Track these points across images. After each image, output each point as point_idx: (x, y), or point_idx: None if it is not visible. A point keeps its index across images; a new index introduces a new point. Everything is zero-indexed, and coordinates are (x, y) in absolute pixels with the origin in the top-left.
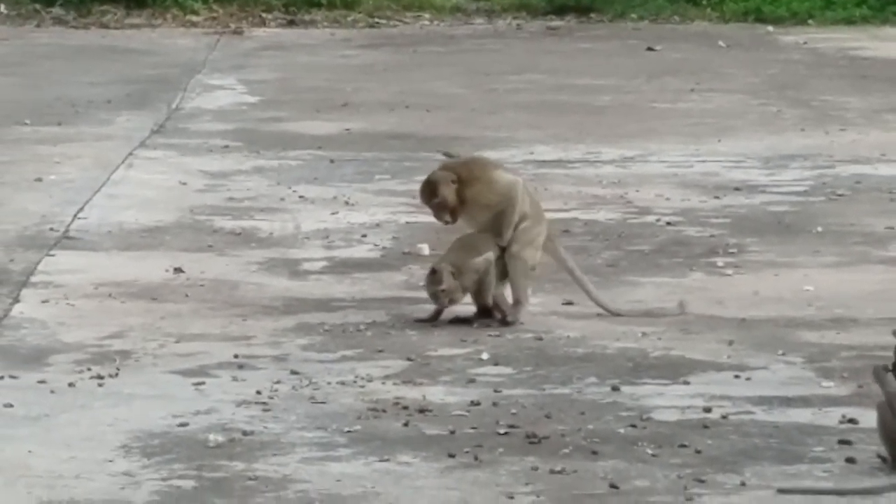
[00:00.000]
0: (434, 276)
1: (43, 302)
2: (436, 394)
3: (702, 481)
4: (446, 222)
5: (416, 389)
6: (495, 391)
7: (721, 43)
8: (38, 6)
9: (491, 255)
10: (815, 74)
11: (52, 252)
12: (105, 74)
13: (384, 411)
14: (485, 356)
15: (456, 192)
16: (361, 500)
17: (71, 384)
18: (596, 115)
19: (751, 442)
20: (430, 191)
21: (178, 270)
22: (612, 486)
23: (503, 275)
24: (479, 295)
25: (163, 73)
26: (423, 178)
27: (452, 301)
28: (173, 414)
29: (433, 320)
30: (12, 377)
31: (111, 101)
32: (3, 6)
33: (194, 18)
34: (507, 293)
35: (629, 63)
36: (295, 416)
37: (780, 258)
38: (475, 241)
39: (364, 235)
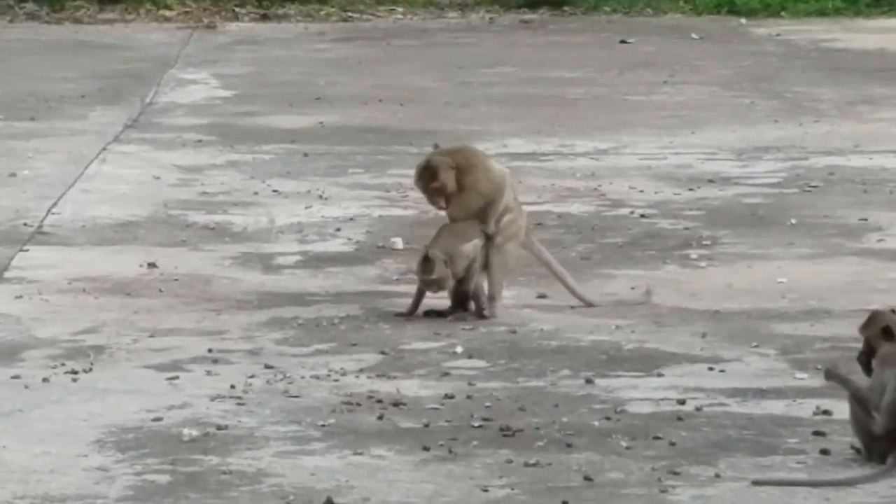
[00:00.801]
0: (427, 263)
1: (16, 297)
2: (410, 387)
3: (676, 473)
4: (440, 208)
5: (390, 383)
6: (469, 384)
7: (694, 35)
8: (10, 1)
9: (478, 242)
10: (788, 66)
11: (25, 247)
12: (78, 69)
13: (358, 405)
14: (459, 349)
15: (454, 178)
16: (336, 494)
17: (45, 379)
18: (569, 107)
19: (725, 434)
20: (429, 175)
21: (151, 265)
22: (587, 478)
23: (483, 265)
24: (464, 281)
25: (136, 67)
26: (399, 170)
27: (441, 289)
28: (147, 408)
29: (411, 314)
30: None
31: (84, 96)
32: None
33: (167, 13)
34: (485, 284)
35: (602, 56)
36: (269, 410)
37: (753, 250)
38: (462, 229)
39: (338, 229)
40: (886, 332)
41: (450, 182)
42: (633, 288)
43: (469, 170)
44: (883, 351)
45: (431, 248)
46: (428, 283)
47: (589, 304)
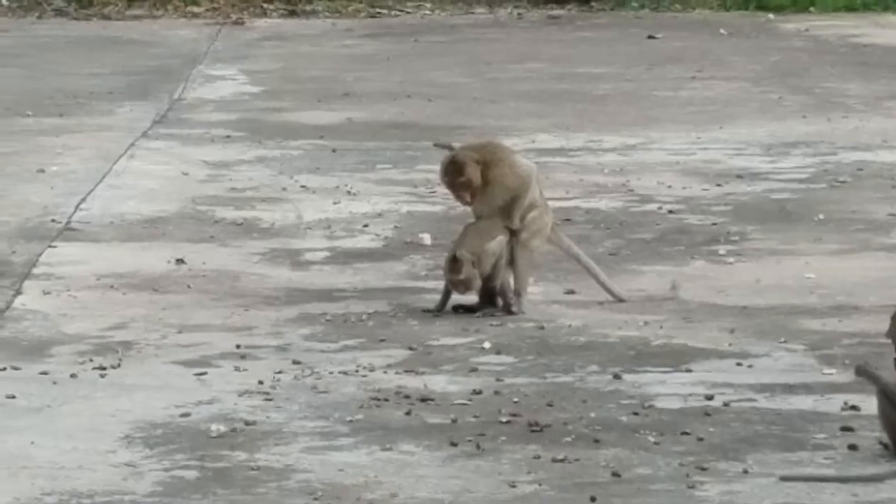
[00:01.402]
0: (455, 264)
1: (45, 293)
2: (438, 383)
3: (704, 469)
4: (466, 203)
5: (418, 378)
6: (497, 380)
7: (722, 31)
8: None
9: (503, 239)
10: (817, 61)
11: (53, 243)
12: (107, 65)
13: (386, 400)
14: (487, 345)
15: (480, 172)
16: (363, 490)
17: (73, 375)
18: (597, 103)
19: (753, 429)
20: (455, 170)
21: (179, 261)
22: (615, 474)
23: (509, 262)
24: (491, 278)
25: (164, 63)
26: (427, 166)
27: (469, 289)
28: (175, 404)
29: (440, 310)
30: (14, 368)
31: (113, 92)
32: None
33: (195, 9)
34: (511, 279)
35: (630, 51)
36: (297, 406)
37: (781, 246)
38: (487, 227)
39: (366, 225)
40: None
41: (476, 177)
42: (672, 287)
43: (495, 164)
44: None
45: (459, 249)
46: (456, 284)
47: (619, 299)
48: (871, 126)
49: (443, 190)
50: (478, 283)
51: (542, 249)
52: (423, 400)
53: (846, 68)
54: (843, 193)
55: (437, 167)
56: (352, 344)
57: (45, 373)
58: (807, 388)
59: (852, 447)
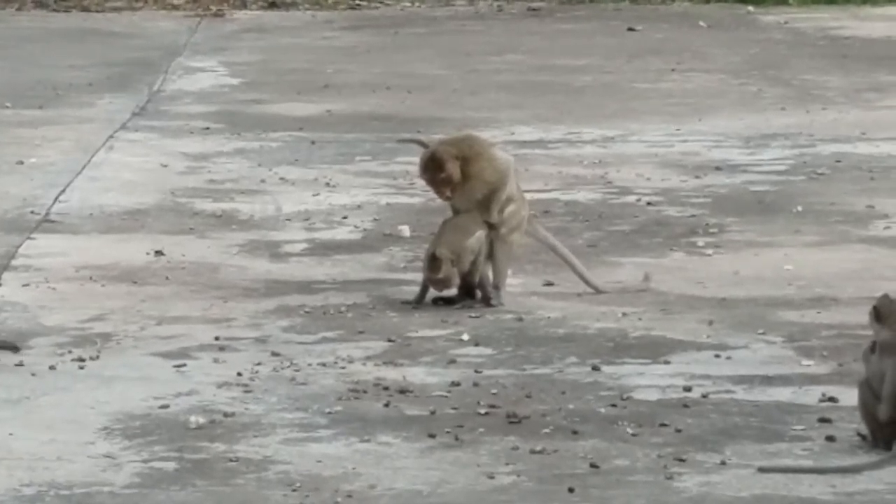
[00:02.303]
0: (434, 263)
1: (24, 285)
2: (416, 374)
3: (682, 460)
4: (446, 198)
5: (397, 370)
6: (476, 372)
7: (702, 23)
8: None
9: (482, 234)
10: (796, 54)
11: (32, 235)
12: (86, 57)
13: (365, 392)
14: (465, 337)
15: (459, 167)
16: (342, 481)
17: (52, 367)
18: (577, 95)
19: (731, 421)
20: (436, 166)
21: (158, 253)
22: (593, 465)
23: (487, 256)
24: (470, 274)
25: (144, 55)
26: (407, 158)
27: (448, 288)
28: (154, 396)
29: (419, 302)
30: None
31: (92, 84)
32: None
33: (175, 1)
34: (489, 272)
35: (610, 43)
36: (276, 398)
37: (760, 237)
38: (465, 222)
39: (345, 217)
40: (877, 315)
41: (455, 173)
42: (644, 278)
43: (474, 159)
44: (881, 337)
45: (438, 247)
46: (435, 283)
47: (596, 290)
48: (849, 118)
49: (422, 183)
50: (456, 280)
51: (520, 244)
52: (402, 392)
53: (825, 60)
54: (821, 185)
55: (417, 160)
56: (331, 336)
57: (23, 364)
58: (785, 380)
59: (830, 438)
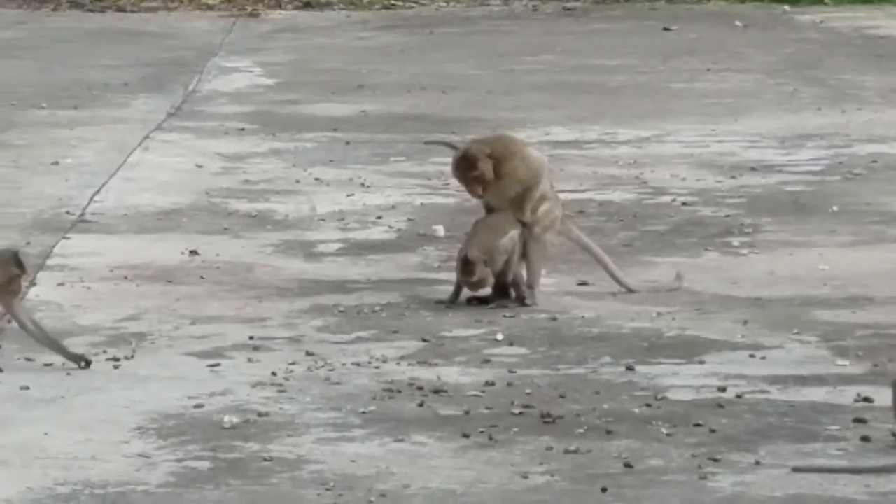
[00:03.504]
0: (467, 266)
1: (59, 285)
2: (450, 374)
3: (716, 460)
4: (478, 196)
5: (431, 370)
6: (510, 371)
7: (737, 23)
8: None
9: (515, 234)
10: (832, 53)
11: (68, 235)
12: (121, 58)
13: (399, 392)
14: (499, 337)
15: (493, 166)
16: (376, 481)
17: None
18: (612, 95)
19: (765, 421)
20: (468, 164)
21: (193, 253)
22: (627, 465)
23: (521, 255)
24: (503, 274)
25: (179, 55)
26: (441, 158)
27: (482, 289)
28: (188, 395)
29: (453, 301)
30: (28, 360)
31: (127, 84)
32: None
33: (210, 1)
34: (523, 271)
35: (645, 43)
36: (310, 397)
37: (795, 237)
38: (497, 222)
39: (379, 217)
40: None
41: (488, 171)
42: (676, 277)
43: (507, 158)
44: None
45: (470, 249)
46: (470, 286)
47: (629, 290)
48: (885, 118)
49: (456, 182)
50: (491, 280)
51: (554, 242)
52: (436, 391)
53: (861, 60)
54: (857, 185)
55: (450, 160)
56: (365, 335)
57: (58, 364)
58: (819, 380)
59: (865, 439)
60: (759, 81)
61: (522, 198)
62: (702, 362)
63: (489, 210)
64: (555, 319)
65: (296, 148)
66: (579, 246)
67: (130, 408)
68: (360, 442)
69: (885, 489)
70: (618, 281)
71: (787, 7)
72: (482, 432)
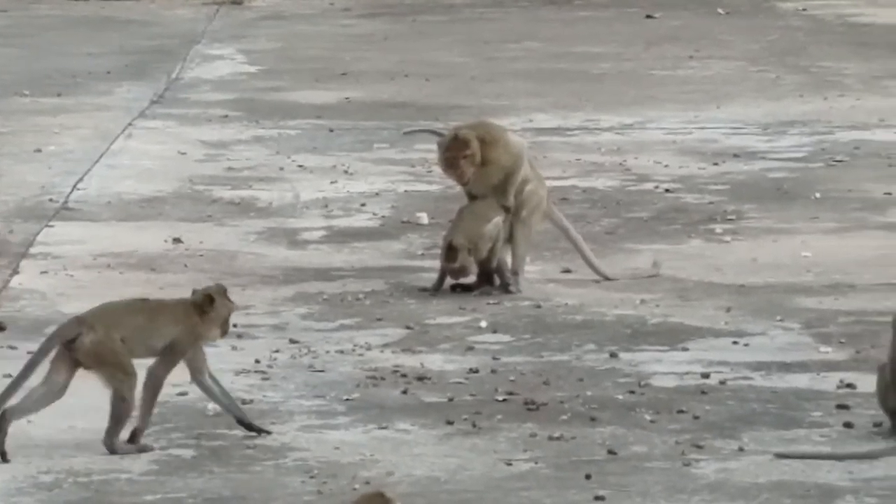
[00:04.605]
0: (451, 253)
1: (42, 273)
2: (434, 361)
3: (699, 447)
4: (465, 182)
5: (415, 357)
6: (494, 359)
7: (720, 10)
8: None
9: (499, 220)
10: (814, 41)
11: (51, 223)
12: (104, 45)
13: (383, 379)
14: (483, 324)
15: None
16: (360, 468)
17: None
18: (595, 82)
19: (749, 407)
20: (461, 144)
21: (176, 241)
22: (611, 451)
23: (506, 239)
24: (487, 261)
25: (162, 43)
26: (425, 146)
27: (465, 276)
28: (172, 383)
29: (437, 289)
30: (11, 348)
31: (110, 72)
32: None
33: None
34: (507, 258)
35: (628, 30)
36: (293, 385)
37: (778, 224)
38: (482, 209)
39: (363, 204)
40: None
41: (478, 151)
42: (654, 264)
43: (492, 144)
44: None
45: (455, 236)
46: (452, 272)
47: (604, 277)
48: (868, 105)
49: (441, 170)
50: (474, 268)
51: (540, 227)
52: (420, 379)
53: (843, 47)
54: (839, 172)
55: (434, 148)
56: (348, 323)
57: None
58: (802, 367)
59: (847, 425)
60: (742, 68)
61: (505, 183)
62: (685, 349)
63: (472, 198)
64: (539, 307)
65: (279, 135)
66: (559, 229)
67: None
68: (343, 429)
69: (867, 475)
70: (593, 267)
71: None
72: (466, 419)
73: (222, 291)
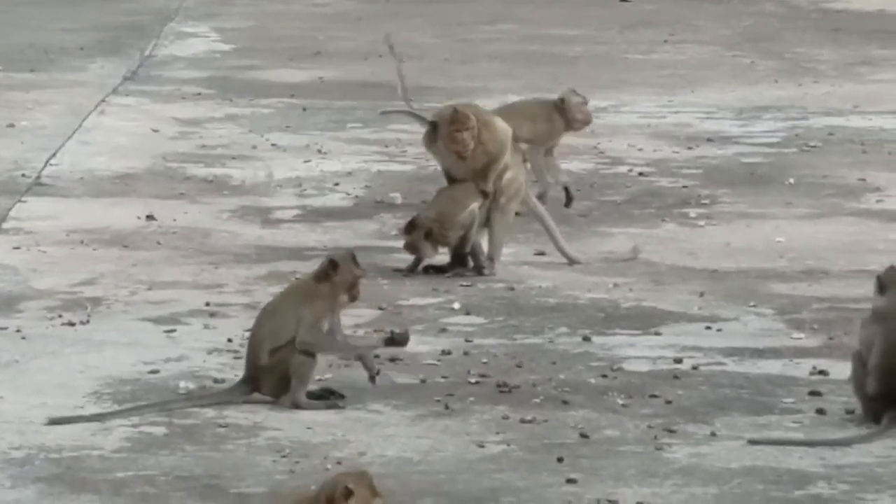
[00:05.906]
0: (409, 226)
1: (14, 248)
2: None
3: (672, 431)
4: (464, 156)
5: None
6: (467, 341)
7: None
8: None
9: (475, 207)
10: (789, 27)
11: (23, 198)
12: (78, 21)
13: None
14: (456, 306)
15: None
16: (332, 448)
17: (42, 331)
18: (569, 65)
19: (721, 393)
20: (462, 118)
21: (149, 217)
22: (583, 435)
23: (483, 224)
24: (461, 244)
25: (136, 20)
26: (398, 126)
27: (413, 253)
28: (144, 361)
29: (411, 270)
30: None
31: (84, 48)
32: None
33: None
34: (483, 241)
35: (603, 14)
36: None
37: (752, 209)
38: (460, 194)
39: (336, 184)
40: (879, 285)
41: (476, 128)
42: (633, 249)
43: (483, 126)
44: (874, 305)
45: (424, 213)
46: (405, 245)
47: (572, 262)
48: (842, 91)
49: (414, 149)
50: (429, 252)
51: (517, 212)
52: (392, 360)
53: (818, 34)
54: (813, 158)
55: (409, 127)
56: None
57: (14, 328)
58: (775, 353)
59: (820, 411)
60: (716, 53)
61: (487, 168)
62: (658, 334)
63: (451, 180)
64: (512, 289)
65: (252, 114)
66: (532, 214)
67: (85, 372)
68: (316, 409)
69: (839, 462)
70: (562, 251)
71: None
72: (438, 401)
73: (349, 257)
